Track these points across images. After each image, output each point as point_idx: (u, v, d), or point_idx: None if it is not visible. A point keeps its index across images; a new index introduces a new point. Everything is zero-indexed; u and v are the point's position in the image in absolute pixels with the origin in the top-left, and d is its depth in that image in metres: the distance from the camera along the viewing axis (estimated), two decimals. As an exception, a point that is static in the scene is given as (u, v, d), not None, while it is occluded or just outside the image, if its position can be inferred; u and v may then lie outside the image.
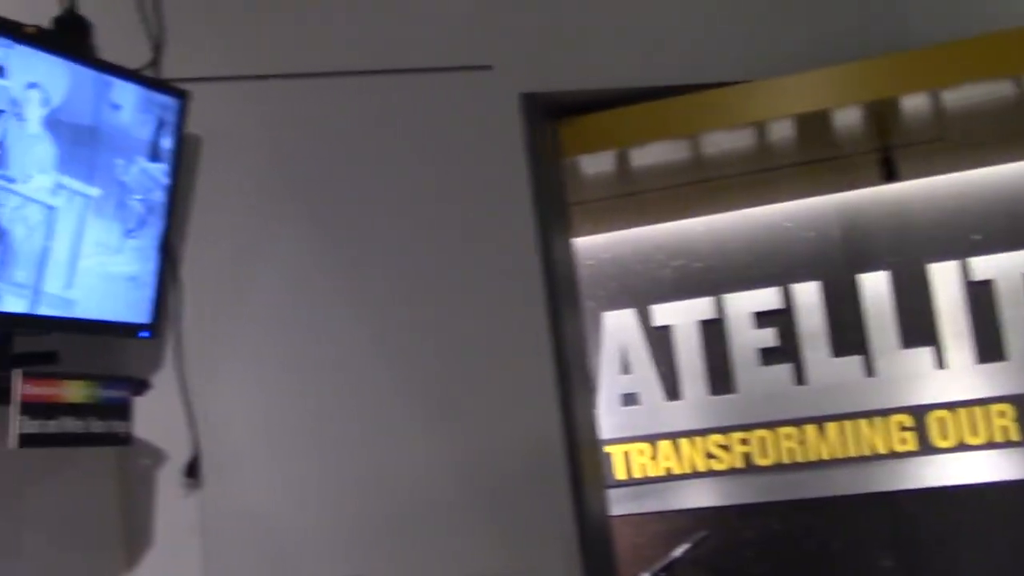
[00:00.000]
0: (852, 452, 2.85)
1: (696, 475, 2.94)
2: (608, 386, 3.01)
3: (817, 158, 2.77)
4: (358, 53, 2.35)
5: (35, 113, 1.88)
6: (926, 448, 2.80)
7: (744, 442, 2.93)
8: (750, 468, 2.92)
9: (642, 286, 3.03)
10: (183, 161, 2.16)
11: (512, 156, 2.34)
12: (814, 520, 2.88)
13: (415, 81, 2.36)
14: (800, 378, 2.89)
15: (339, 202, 2.32)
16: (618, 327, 3.03)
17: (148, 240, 2.11)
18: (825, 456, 2.87)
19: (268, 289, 2.28)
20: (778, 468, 2.90)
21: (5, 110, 1.84)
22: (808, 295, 2.91)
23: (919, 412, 2.82)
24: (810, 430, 2.89)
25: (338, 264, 2.31)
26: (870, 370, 2.85)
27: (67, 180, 1.94)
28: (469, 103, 2.35)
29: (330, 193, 2.31)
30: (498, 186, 2.33)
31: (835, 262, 2.90)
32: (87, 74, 1.97)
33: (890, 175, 2.82)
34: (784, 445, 2.90)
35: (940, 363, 2.78)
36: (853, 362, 2.87)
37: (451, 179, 2.33)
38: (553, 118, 2.50)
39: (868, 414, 2.85)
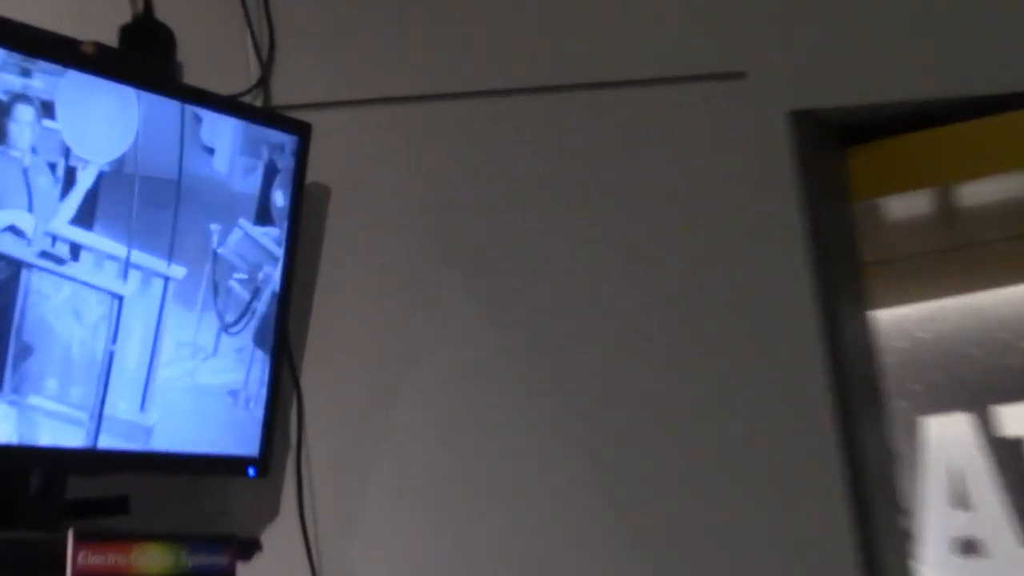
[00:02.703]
0: None
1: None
2: (934, 526, 2.61)
3: None
4: (552, 63, 2.21)
5: (94, 165, 1.74)
6: None
7: None
8: None
9: (981, 379, 2.64)
10: (304, 223, 2.00)
11: (778, 197, 2.15)
12: None
13: (637, 97, 2.19)
14: None
15: (524, 271, 2.17)
16: (946, 439, 2.65)
17: (254, 337, 1.98)
18: None
19: (422, 402, 2.11)
20: None
21: (55, 163, 1.68)
22: None
23: None
24: None
25: (525, 359, 2.15)
26: None
27: (140, 256, 1.82)
28: (714, 124, 2.18)
29: (511, 259, 2.16)
30: (759, 238, 2.15)
31: None
32: (167, 106, 1.84)
33: None
34: None
35: None
36: None
37: (689, 230, 2.16)
38: (838, 144, 2.35)
39: None
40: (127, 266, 1.81)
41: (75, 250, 1.75)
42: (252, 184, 1.96)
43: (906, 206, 2.47)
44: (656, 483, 2.10)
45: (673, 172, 2.20)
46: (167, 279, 1.85)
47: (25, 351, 1.68)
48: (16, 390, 1.68)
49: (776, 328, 2.14)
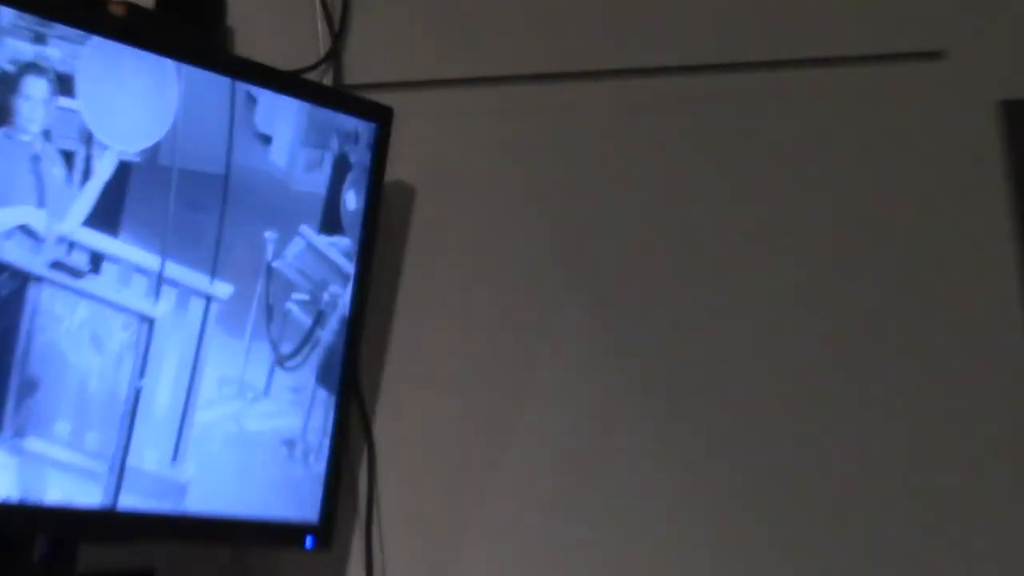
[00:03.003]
0: None
1: None
2: None
3: None
4: (708, 39, 2.07)
5: (121, 155, 1.60)
6: None
7: None
8: None
9: None
10: (381, 232, 1.86)
11: (985, 201, 2.02)
12: None
13: (812, 80, 2.08)
14: None
15: (666, 290, 2.01)
16: None
17: (317, 374, 1.84)
18: None
19: (528, 457, 1.98)
20: None
21: (72, 151, 1.54)
22: None
23: None
24: None
25: (666, 405, 1.97)
26: None
27: (176, 270, 1.68)
28: (906, 115, 2.05)
29: (649, 275, 2.01)
30: (961, 251, 2.01)
31: None
32: (213, 83, 1.71)
33: None
34: None
35: None
36: None
37: (875, 240, 2.02)
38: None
39: None
40: (160, 282, 1.67)
41: (95, 260, 1.62)
42: (318, 182, 1.83)
43: None
44: (835, 549, 1.95)
45: (855, 172, 2.08)
46: (209, 299, 1.73)
47: (30, 386, 1.56)
48: (18, 434, 1.55)
49: (985, 360, 2.02)
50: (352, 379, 1.93)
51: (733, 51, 2.15)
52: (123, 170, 1.64)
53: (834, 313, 2.07)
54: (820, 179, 2.10)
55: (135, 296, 1.63)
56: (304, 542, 1.87)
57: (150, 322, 1.66)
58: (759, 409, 2.04)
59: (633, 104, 2.11)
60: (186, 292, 1.69)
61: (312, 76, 1.98)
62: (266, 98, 1.76)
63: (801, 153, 2.10)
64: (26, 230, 1.57)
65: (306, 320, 1.82)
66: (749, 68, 2.13)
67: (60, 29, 1.55)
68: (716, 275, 2.08)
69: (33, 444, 1.55)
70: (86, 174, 1.61)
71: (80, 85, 1.58)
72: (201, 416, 1.71)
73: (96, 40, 1.59)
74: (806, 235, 2.09)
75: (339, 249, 1.86)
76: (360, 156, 1.88)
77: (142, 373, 1.64)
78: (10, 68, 1.52)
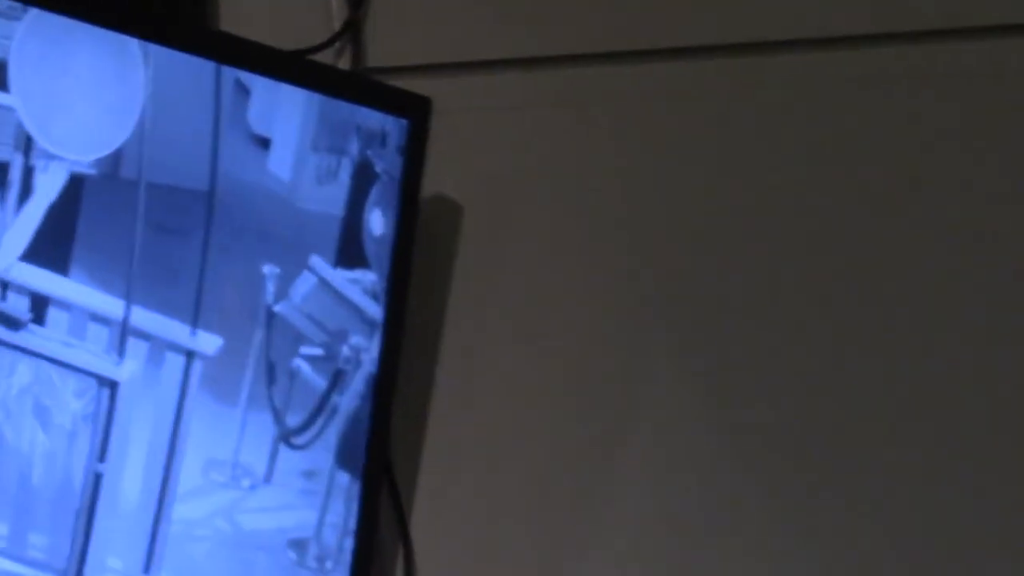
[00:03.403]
0: None
1: None
2: None
3: None
4: (832, 6, 1.88)
5: (70, 165, 1.43)
6: None
7: None
8: None
9: None
10: (418, 260, 1.63)
11: None
12: None
13: (982, 53, 1.88)
14: None
15: (790, 331, 1.76)
16: None
17: (335, 453, 1.59)
18: None
19: (620, 562, 1.67)
20: None
21: (6, 161, 1.38)
22: None
23: None
24: None
25: (797, 485, 1.71)
26: None
27: (145, 318, 1.46)
28: None
29: (768, 314, 1.76)
30: None
31: None
32: (193, 70, 1.49)
33: None
34: None
35: None
36: None
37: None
38: None
39: None
40: (124, 334, 1.48)
41: (38, 306, 1.42)
42: (332, 199, 1.60)
43: None
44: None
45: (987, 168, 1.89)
46: (191, 355, 1.52)
47: (-44, 473, 1.38)
48: (-58, 536, 1.35)
49: None
50: (382, 459, 1.68)
51: (862, 22, 1.89)
52: (74, 186, 1.44)
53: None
54: (985, 174, 1.87)
55: (92, 353, 1.47)
56: (323, 670, 1.66)
57: (112, 387, 1.48)
58: (911, 488, 1.74)
59: (753, 86, 1.87)
60: (159, 347, 1.51)
61: (324, 58, 1.73)
62: (263, 88, 1.55)
63: (955, 145, 1.87)
64: (-58, 270, 1.36)
65: (320, 382, 1.58)
66: (877, 42, 1.89)
67: (-13, 1, 1.38)
68: (861, 306, 1.82)
69: (-40, 551, 1.36)
70: (25, 192, 1.41)
71: (15, 74, 1.42)
72: (181, 511, 1.52)
73: (36, 14, 1.43)
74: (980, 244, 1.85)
75: (362, 287, 1.62)
76: (388, 164, 1.63)
77: (102, 455, 1.47)
78: (-79, 53, 1.32)
